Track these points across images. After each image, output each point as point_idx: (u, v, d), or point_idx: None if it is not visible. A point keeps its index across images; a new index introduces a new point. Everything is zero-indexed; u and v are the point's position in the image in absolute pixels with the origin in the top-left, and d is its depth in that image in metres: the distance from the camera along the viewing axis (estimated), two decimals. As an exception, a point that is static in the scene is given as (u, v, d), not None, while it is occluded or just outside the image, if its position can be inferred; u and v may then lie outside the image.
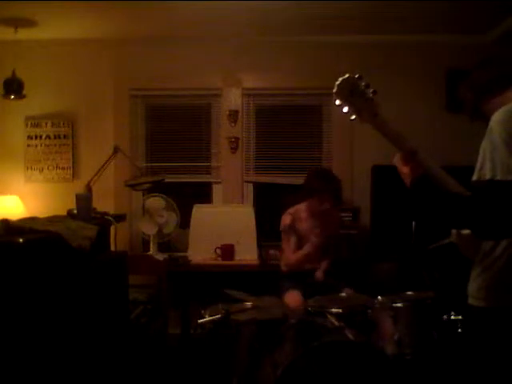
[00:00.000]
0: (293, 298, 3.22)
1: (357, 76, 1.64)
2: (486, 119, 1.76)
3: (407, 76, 4.35)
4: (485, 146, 1.63)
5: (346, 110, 1.65)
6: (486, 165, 1.59)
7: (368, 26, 4.06)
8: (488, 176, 1.58)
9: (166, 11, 3.78)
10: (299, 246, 3.46)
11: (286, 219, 3.49)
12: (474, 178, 1.64)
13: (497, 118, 1.63)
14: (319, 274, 3.42)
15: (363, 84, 1.64)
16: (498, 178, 1.56)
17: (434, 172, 1.73)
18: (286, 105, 4.58)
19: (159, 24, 4.11)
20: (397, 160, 1.77)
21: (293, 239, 3.45)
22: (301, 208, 3.50)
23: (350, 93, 1.63)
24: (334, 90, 1.64)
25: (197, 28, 4.14)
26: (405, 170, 1.75)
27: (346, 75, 1.64)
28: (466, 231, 1.71)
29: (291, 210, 3.51)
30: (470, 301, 1.74)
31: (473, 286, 1.74)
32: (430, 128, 4.23)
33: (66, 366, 2.08)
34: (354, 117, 1.66)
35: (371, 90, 1.64)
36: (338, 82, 1.63)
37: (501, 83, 1.78)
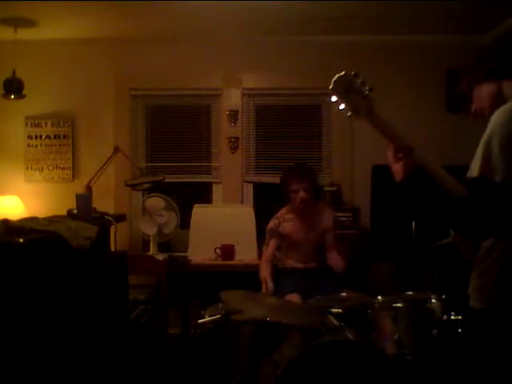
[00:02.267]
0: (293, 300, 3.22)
1: (353, 73, 1.66)
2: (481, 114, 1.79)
3: (407, 76, 4.35)
4: (481, 145, 1.64)
5: (342, 106, 1.67)
6: (477, 163, 1.60)
7: (368, 25, 4.06)
8: (476, 174, 1.59)
9: (166, 11, 3.78)
10: (288, 248, 3.50)
11: (270, 223, 3.53)
12: (467, 175, 1.65)
13: (496, 118, 1.64)
14: (340, 263, 3.38)
15: (359, 81, 1.66)
16: (486, 177, 1.58)
17: (433, 171, 1.73)
18: (286, 105, 4.58)
19: (159, 24, 4.11)
20: (389, 154, 1.76)
21: (272, 243, 3.47)
22: (284, 211, 3.52)
23: (346, 89, 1.65)
24: (331, 87, 1.66)
25: (197, 28, 4.15)
26: (396, 166, 1.75)
27: (342, 72, 1.66)
28: None
29: (278, 215, 3.53)
30: (471, 302, 1.75)
31: (471, 287, 1.75)
32: (430, 128, 4.23)
33: (66, 366, 2.08)
34: (350, 113, 1.68)
35: (367, 87, 1.66)
36: (334, 79, 1.65)
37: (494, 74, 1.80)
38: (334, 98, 1.67)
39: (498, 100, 1.75)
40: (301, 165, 3.60)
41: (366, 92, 1.65)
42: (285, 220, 3.47)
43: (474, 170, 1.60)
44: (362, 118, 1.68)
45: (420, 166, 1.74)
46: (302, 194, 3.34)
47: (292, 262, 3.51)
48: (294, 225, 3.46)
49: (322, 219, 3.52)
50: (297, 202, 3.37)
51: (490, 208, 1.58)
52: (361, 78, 1.67)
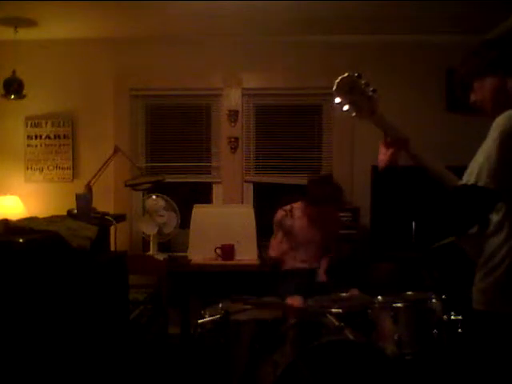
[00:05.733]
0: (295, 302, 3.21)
1: (356, 74, 1.66)
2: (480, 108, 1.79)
3: (407, 76, 4.35)
4: (482, 149, 1.63)
5: (346, 107, 1.68)
6: (484, 171, 1.60)
7: (368, 25, 4.06)
8: (472, 181, 1.59)
9: (166, 11, 3.77)
10: (292, 243, 3.50)
11: (278, 215, 3.54)
12: (463, 179, 1.65)
13: (499, 122, 1.62)
14: (322, 276, 3.41)
15: (363, 82, 1.66)
16: (481, 184, 1.57)
17: (427, 163, 1.75)
18: (286, 105, 4.57)
19: (159, 24, 4.11)
20: (382, 143, 1.81)
21: (279, 235, 3.52)
22: (297, 207, 3.50)
23: (349, 91, 1.65)
24: (334, 88, 1.66)
25: (197, 28, 4.14)
26: (382, 156, 1.84)
27: (346, 74, 1.66)
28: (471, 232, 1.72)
29: (286, 207, 3.53)
30: (474, 305, 1.74)
31: (475, 289, 1.74)
32: (430, 128, 4.23)
33: (66, 366, 2.08)
34: (354, 114, 1.68)
35: (371, 88, 1.66)
36: (337, 80, 1.66)
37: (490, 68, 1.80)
38: (337, 100, 1.67)
39: (501, 95, 1.74)
40: (331, 179, 3.57)
41: (370, 93, 1.65)
42: (293, 216, 3.47)
43: (482, 178, 1.59)
44: (364, 118, 1.69)
45: (414, 158, 1.76)
46: (330, 212, 3.39)
47: (294, 263, 3.51)
48: (302, 224, 3.46)
49: (329, 223, 3.53)
50: (322, 212, 3.38)
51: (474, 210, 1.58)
52: (364, 78, 1.67)
